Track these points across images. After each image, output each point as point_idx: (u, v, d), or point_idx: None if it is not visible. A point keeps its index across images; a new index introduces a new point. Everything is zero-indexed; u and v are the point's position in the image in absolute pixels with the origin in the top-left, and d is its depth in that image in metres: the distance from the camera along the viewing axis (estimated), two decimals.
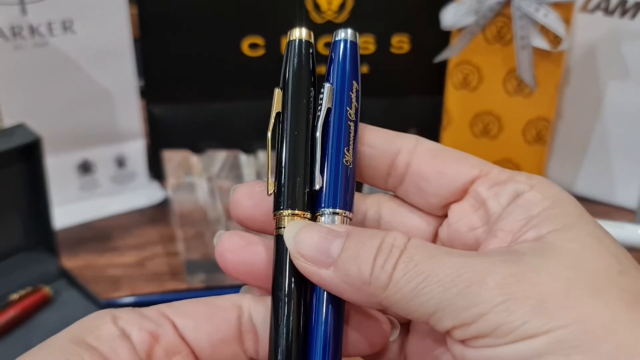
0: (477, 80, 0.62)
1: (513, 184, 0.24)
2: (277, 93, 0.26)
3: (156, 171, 0.67)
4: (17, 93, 0.59)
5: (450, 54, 0.62)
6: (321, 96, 0.26)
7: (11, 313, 0.51)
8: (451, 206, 0.25)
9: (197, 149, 0.64)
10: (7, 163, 0.52)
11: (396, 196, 0.27)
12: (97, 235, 0.63)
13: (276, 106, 0.26)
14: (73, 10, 0.58)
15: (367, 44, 0.64)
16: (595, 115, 0.66)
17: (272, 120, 0.25)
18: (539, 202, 0.23)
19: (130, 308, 0.24)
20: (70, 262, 0.58)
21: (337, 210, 0.25)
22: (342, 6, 0.62)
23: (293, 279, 0.24)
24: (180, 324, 0.24)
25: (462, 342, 0.21)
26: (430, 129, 0.67)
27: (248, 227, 0.26)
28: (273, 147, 0.26)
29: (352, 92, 0.26)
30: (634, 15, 0.61)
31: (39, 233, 0.55)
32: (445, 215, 0.26)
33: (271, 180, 0.25)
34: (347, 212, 0.25)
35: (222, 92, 0.65)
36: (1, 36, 0.56)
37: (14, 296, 0.52)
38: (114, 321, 0.23)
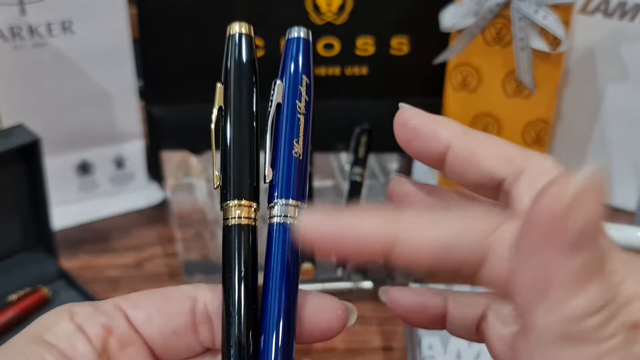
0: (476, 81, 0.62)
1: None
2: (219, 87, 0.27)
3: (155, 172, 0.67)
4: (16, 93, 0.59)
5: (450, 56, 0.62)
6: (272, 92, 0.26)
7: (10, 314, 0.51)
8: (513, 184, 0.23)
9: (196, 149, 0.64)
10: (6, 164, 0.52)
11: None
12: (95, 236, 0.63)
13: (218, 100, 0.27)
14: (72, 11, 0.58)
15: (367, 46, 0.64)
16: (594, 117, 0.66)
17: (214, 115, 0.26)
18: None
19: (88, 302, 0.25)
20: (68, 263, 0.58)
21: (290, 201, 0.25)
22: (341, 7, 0.62)
23: (242, 268, 0.24)
24: (133, 316, 0.24)
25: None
26: None
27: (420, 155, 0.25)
28: (217, 142, 0.26)
29: (302, 86, 0.26)
30: (633, 17, 0.61)
31: (38, 234, 0.55)
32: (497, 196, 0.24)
33: (217, 174, 0.26)
34: (300, 203, 0.25)
35: None
36: (0, 36, 0.56)
37: (13, 297, 0.52)
38: (71, 317, 0.24)
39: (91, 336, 0.23)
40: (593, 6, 0.62)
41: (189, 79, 0.65)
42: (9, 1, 0.55)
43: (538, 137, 0.63)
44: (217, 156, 0.26)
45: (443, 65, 0.63)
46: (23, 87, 0.59)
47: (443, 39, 0.62)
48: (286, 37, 0.27)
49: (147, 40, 0.62)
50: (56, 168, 0.61)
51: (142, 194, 0.67)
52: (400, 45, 0.65)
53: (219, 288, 0.25)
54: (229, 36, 0.27)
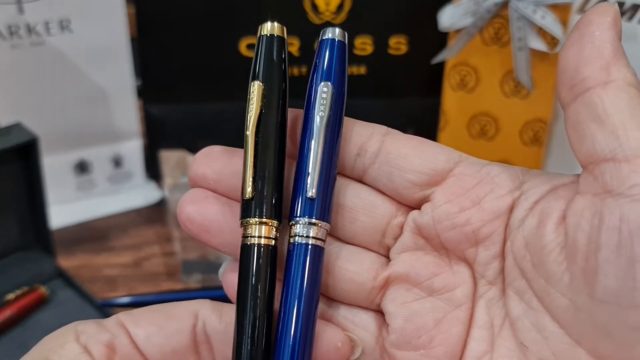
0: (474, 81, 0.62)
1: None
2: (258, 86, 0.24)
3: (153, 171, 0.67)
4: (13, 92, 0.59)
5: (448, 55, 0.62)
6: (324, 99, 0.24)
7: (7, 313, 0.51)
8: (435, 189, 0.25)
9: (195, 149, 0.63)
10: (3, 162, 0.52)
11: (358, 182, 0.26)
12: (93, 235, 0.63)
13: (257, 103, 0.24)
14: (70, 10, 0.58)
15: (365, 45, 0.64)
16: None
17: (253, 119, 0.24)
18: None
19: (93, 320, 0.24)
20: (66, 262, 0.58)
21: (313, 220, 0.24)
22: (340, 7, 0.62)
23: (259, 291, 0.23)
24: (134, 334, 0.24)
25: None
26: (428, 130, 0.67)
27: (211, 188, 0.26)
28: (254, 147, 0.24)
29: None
30: (630, 17, 0.61)
31: (35, 233, 0.55)
32: (418, 205, 0.25)
33: (249, 189, 0.24)
34: (325, 224, 0.24)
35: (219, 92, 0.65)
36: None
37: (10, 296, 0.52)
38: (77, 338, 0.23)
39: (95, 356, 0.23)
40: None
41: (187, 78, 0.65)
42: None
43: (536, 137, 0.63)
44: (249, 165, 0.24)
45: (441, 65, 0.63)
46: (21, 86, 0.59)
47: (441, 39, 0.62)
48: (319, 39, 0.25)
49: (145, 39, 0.62)
50: (54, 167, 0.61)
51: (140, 193, 0.67)
52: (398, 44, 0.65)
53: (219, 306, 0.24)
54: (259, 36, 0.25)
